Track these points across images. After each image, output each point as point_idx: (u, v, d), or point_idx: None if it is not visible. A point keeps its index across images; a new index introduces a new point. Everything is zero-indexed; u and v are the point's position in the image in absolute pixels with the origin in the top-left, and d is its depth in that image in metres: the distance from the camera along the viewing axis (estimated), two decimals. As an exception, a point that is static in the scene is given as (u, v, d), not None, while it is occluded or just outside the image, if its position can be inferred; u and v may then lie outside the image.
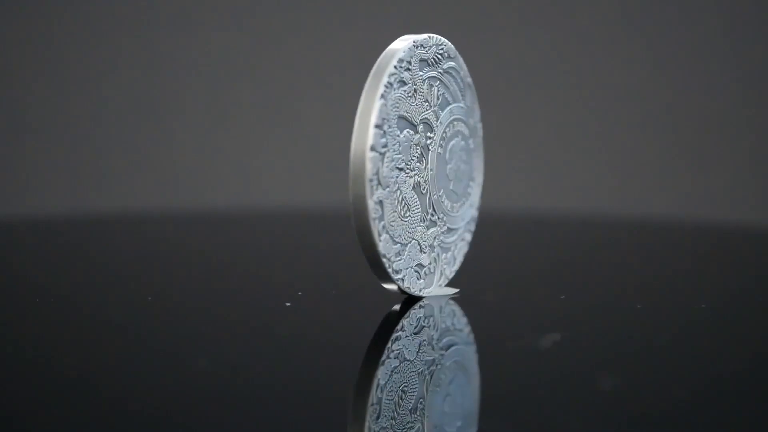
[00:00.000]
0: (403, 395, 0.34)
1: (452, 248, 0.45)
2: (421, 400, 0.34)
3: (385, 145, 0.41)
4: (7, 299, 0.48)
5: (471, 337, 0.41)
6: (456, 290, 0.45)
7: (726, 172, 0.89)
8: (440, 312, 0.43)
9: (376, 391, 0.35)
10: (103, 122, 0.88)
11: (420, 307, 0.43)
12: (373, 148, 0.41)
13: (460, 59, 0.44)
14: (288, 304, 0.46)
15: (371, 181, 0.41)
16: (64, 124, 0.87)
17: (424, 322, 0.42)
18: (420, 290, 0.43)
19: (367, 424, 0.33)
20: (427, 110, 0.43)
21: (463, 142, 0.45)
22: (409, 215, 0.43)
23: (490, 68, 0.90)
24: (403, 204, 0.42)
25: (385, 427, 0.33)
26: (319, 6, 0.90)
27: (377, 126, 0.41)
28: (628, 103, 0.91)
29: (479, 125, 0.46)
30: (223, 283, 0.51)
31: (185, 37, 0.90)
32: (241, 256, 0.60)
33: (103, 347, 0.40)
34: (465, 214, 0.46)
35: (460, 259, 0.46)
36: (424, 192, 0.43)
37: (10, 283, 0.52)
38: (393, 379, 0.36)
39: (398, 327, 0.41)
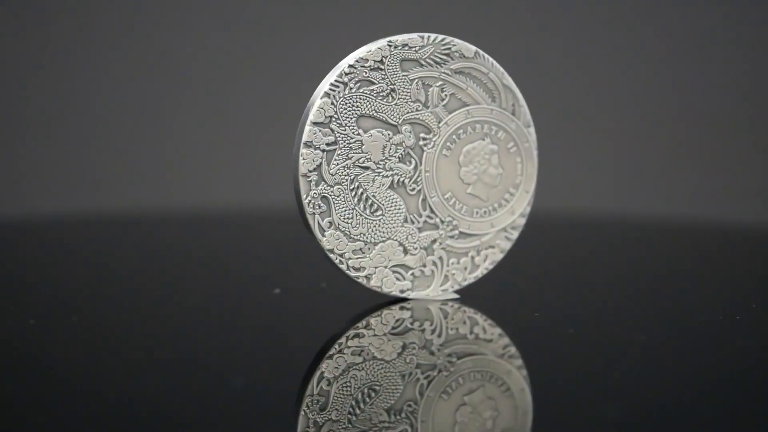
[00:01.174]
0: (373, 393, 0.34)
1: (470, 254, 0.44)
2: (409, 402, 0.34)
3: (333, 143, 0.42)
4: (6, 299, 0.48)
5: (503, 350, 0.40)
6: (456, 296, 0.44)
7: (726, 172, 0.89)
8: (446, 317, 0.43)
9: (320, 382, 0.35)
10: (103, 122, 0.88)
11: (402, 308, 0.43)
12: (309, 145, 0.42)
13: (487, 60, 0.44)
14: (277, 290, 0.46)
15: (306, 176, 0.42)
16: (63, 124, 0.87)
17: (412, 324, 0.41)
18: (402, 291, 0.43)
19: (303, 413, 0.33)
20: (418, 111, 0.43)
21: (493, 146, 0.44)
22: (382, 214, 0.43)
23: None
24: (369, 202, 0.43)
25: (338, 420, 0.33)
26: (326, 5, 0.90)
27: (318, 123, 0.42)
28: (627, 103, 0.91)
29: (528, 130, 0.45)
30: (216, 280, 0.51)
31: (184, 36, 0.90)
32: (239, 255, 0.60)
33: (102, 347, 0.40)
34: (498, 220, 0.45)
35: (486, 266, 0.45)
36: (412, 193, 0.43)
37: (9, 284, 0.52)
38: (351, 375, 0.36)
39: (360, 324, 0.42)
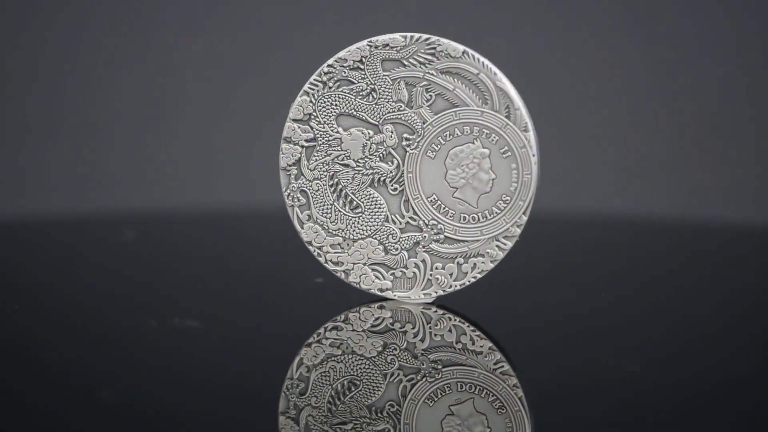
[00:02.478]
0: (353, 387, 0.35)
1: (456, 260, 0.43)
2: (391, 402, 0.34)
3: (312, 139, 0.43)
4: (6, 299, 0.48)
5: (494, 365, 0.39)
6: (429, 300, 0.43)
7: (726, 172, 0.89)
8: (429, 322, 0.42)
9: (299, 368, 0.36)
10: (103, 122, 0.88)
11: (381, 307, 0.43)
12: (288, 140, 0.43)
13: (477, 60, 0.42)
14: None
15: (285, 170, 0.43)
16: (62, 124, 0.87)
17: (393, 324, 0.41)
18: (381, 291, 0.43)
19: (284, 394, 0.34)
20: (400, 111, 0.42)
21: (484, 150, 0.43)
22: (361, 212, 0.43)
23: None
24: (349, 199, 0.43)
25: (318, 407, 0.33)
26: (321, 4, 0.90)
27: (297, 120, 0.43)
28: (627, 102, 0.91)
29: (525, 135, 0.42)
30: (213, 278, 0.52)
31: (184, 37, 0.90)
32: (237, 254, 0.60)
33: (101, 348, 0.40)
34: (489, 228, 0.43)
35: (474, 274, 0.43)
36: (394, 193, 0.43)
37: (9, 284, 0.52)
38: (330, 365, 0.37)
39: (338, 318, 0.42)
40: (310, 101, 0.43)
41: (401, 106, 0.42)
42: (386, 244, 0.43)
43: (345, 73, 0.43)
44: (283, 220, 0.68)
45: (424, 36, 0.42)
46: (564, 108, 0.91)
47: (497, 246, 0.43)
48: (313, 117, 0.43)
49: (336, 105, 0.43)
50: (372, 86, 0.42)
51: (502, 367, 0.38)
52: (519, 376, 0.37)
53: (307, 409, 0.33)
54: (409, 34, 0.42)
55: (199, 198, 0.89)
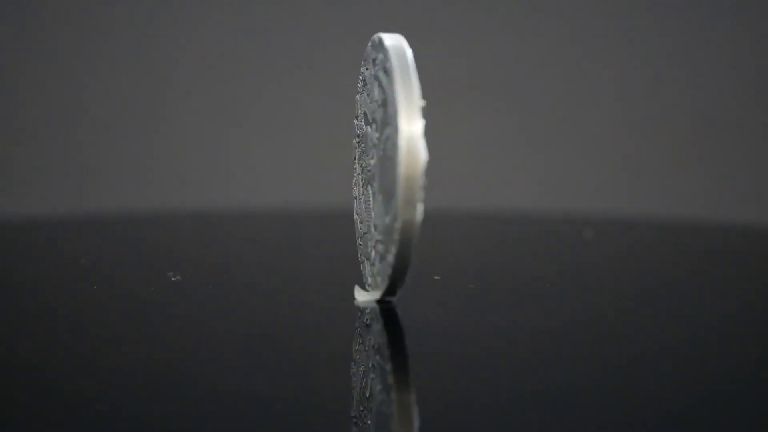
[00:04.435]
0: (364, 375, 0.36)
1: (381, 263, 0.41)
2: (369, 397, 0.34)
3: (357, 135, 0.45)
4: (5, 299, 0.49)
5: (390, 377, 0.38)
6: (367, 299, 0.42)
7: (726, 172, 0.89)
8: (373, 321, 0.41)
9: (357, 348, 0.39)
10: (103, 122, 0.89)
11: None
12: (354, 136, 0.45)
13: (387, 53, 0.40)
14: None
15: (353, 164, 0.45)
16: (63, 125, 0.88)
17: (369, 321, 0.42)
18: (368, 285, 0.43)
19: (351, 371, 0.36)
20: (376, 109, 0.42)
21: (390, 154, 0.41)
22: (370, 207, 0.43)
23: (489, 67, 0.90)
24: (368, 193, 0.44)
25: (356, 389, 0.34)
26: (325, 2, 0.90)
27: (356, 117, 0.44)
28: (628, 102, 0.91)
29: (394, 139, 0.40)
30: (219, 277, 0.52)
31: (184, 37, 0.90)
32: (241, 253, 0.60)
33: (100, 348, 0.40)
34: (388, 234, 0.41)
35: (385, 280, 0.41)
36: (373, 191, 0.43)
37: (8, 284, 0.52)
38: (359, 350, 0.39)
39: (357, 308, 0.43)
40: (358, 100, 0.44)
41: (377, 105, 0.42)
42: (370, 242, 0.43)
43: (365, 73, 0.43)
44: (289, 219, 0.68)
45: (379, 34, 0.41)
46: (564, 109, 0.91)
47: (389, 254, 0.41)
48: (358, 114, 0.44)
49: (362, 104, 0.44)
50: (369, 85, 0.43)
51: (389, 380, 0.37)
52: (399, 393, 0.36)
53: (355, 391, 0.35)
54: (382, 34, 0.42)
55: (211, 199, 0.89)
